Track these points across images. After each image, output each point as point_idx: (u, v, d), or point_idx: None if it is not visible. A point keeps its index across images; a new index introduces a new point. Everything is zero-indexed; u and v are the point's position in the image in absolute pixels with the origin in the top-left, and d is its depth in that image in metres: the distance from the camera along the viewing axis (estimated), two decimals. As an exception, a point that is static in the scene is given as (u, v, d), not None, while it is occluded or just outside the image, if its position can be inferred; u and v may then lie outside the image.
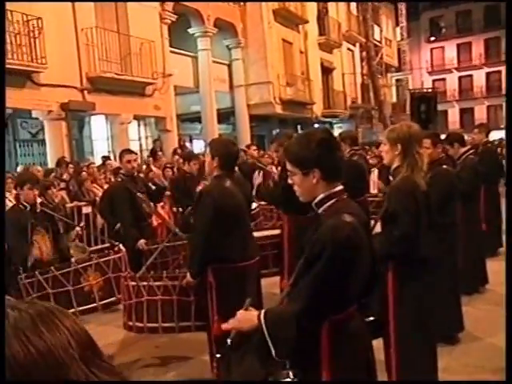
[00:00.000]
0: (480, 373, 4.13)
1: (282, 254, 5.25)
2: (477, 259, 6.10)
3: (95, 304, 4.55)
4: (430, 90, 19.20)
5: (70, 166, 10.25)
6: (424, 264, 3.36)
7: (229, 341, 2.28)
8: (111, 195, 6.01)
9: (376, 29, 31.42)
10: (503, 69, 33.55)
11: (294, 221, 5.06)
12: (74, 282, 4.46)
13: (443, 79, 43.79)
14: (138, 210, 5.81)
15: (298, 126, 22.54)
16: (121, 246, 4.89)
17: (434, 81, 42.86)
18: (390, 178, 3.55)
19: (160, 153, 13.72)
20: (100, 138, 16.18)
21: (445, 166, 4.80)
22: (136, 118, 15.62)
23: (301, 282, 2.14)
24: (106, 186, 8.66)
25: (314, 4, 24.00)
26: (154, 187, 8.36)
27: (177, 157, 10.99)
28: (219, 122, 18.45)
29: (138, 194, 5.81)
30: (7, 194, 7.96)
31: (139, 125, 17.32)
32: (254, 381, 2.21)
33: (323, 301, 2.02)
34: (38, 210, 4.99)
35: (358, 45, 29.31)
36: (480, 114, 41.24)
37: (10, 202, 7.32)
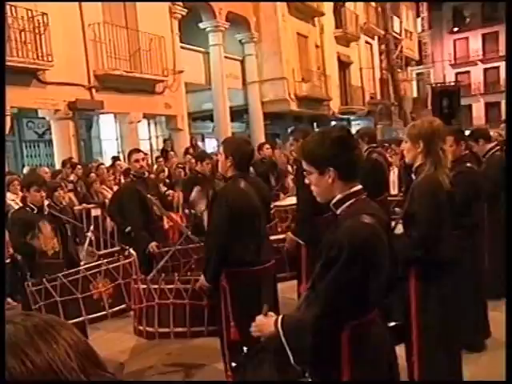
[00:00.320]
0: (508, 382, 4.08)
1: (300, 257, 5.24)
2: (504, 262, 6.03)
3: (105, 312, 4.56)
4: (452, 84, 19.05)
5: (79, 167, 10.34)
6: (447, 267, 3.33)
7: (245, 348, 2.30)
8: (121, 197, 6.06)
9: (395, 20, 31.27)
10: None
11: (313, 221, 5.05)
12: (82, 289, 4.48)
13: (467, 72, 43.43)
14: (148, 212, 5.85)
15: (314, 124, 22.52)
16: (131, 250, 4.92)
17: (457, 74, 42.52)
18: (412, 176, 3.53)
19: (172, 152, 13.80)
20: (109, 137, 16.31)
21: (469, 164, 4.76)
22: (146, 116, 15.72)
23: (318, 287, 2.14)
24: (115, 188, 8.74)
25: (330, -4, 23.97)
26: (165, 189, 8.43)
27: (189, 157, 11.04)
28: (232, 120, 18.50)
29: (149, 195, 5.85)
30: (13, 197, 8.07)
31: (149, 124, 17.42)
32: (262, 381, 2.22)
33: (342, 305, 2.02)
34: (46, 213, 5.04)
35: (376, 37, 29.19)
36: (507, 108, 40.74)
37: (16, 205, 7.43)
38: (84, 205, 8.93)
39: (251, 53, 19.53)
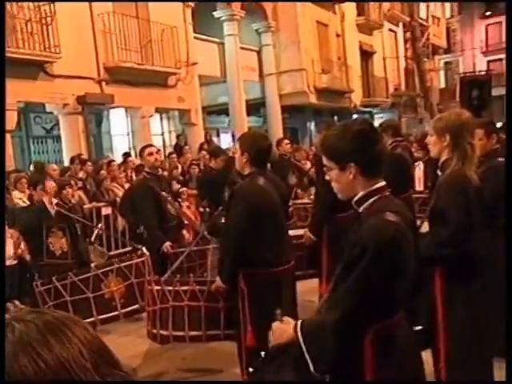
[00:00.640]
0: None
1: (320, 256, 5.25)
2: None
3: (117, 312, 4.64)
4: (483, 73, 18.86)
5: (88, 163, 10.44)
6: (476, 267, 3.32)
7: (262, 353, 2.31)
8: (133, 194, 6.10)
9: (422, 6, 31.00)
10: None
11: (334, 220, 5.07)
12: (93, 288, 4.56)
13: (500, 60, 42.83)
14: (162, 211, 5.89)
15: (335, 118, 22.45)
16: (144, 249, 4.97)
17: (489, 62, 42.00)
18: (438, 172, 3.52)
19: (187, 147, 13.85)
20: (119, 133, 16.43)
21: (500, 159, 4.72)
22: (158, 111, 15.80)
23: (340, 288, 2.15)
24: (126, 186, 8.81)
25: (352, -19, 23.86)
26: (178, 186, 8.48)
27: (204, 153, 11.11)
28: (248, 114, 18.51)
29: (163, 193, 5.90)
30: (21, 195, 8.18)
31: (162, 118, 17.51)
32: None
33: (365, 308, 2.03)
34: (54, 211, 5.11)
35: (401, 25, 28.97)
36: (543, 99, 40.21)
37: (23, 203, 7.54)
38: (94, 203, 9.02)
39: (268, 43, 19.53)
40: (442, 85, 34.77)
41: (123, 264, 4.72)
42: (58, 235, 5.10)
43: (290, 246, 4.22)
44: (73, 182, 8.32)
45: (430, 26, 31.78)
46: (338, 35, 22.88)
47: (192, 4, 15.84)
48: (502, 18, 43.00)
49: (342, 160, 2.16)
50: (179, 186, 9.66)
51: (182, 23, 15.39)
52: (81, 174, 10.03)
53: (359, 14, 24.50)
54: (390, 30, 28.12)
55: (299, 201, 7.54)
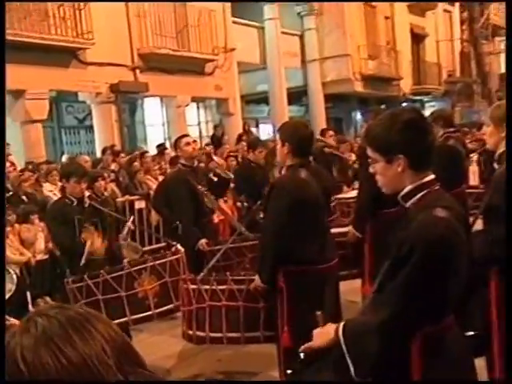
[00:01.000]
0: None
1: (363, 254, 5.23)
2: None
3: (150, 312, 4.69)
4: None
5: (122, 155, 10.61)
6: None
7: (301, 355, 2.32)
8: (168, 187, 6.17)
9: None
10: None
11: (378, 216, 5.04)
12: (126, 287, 4.61)
13: None
14: (198, 205, 5.93)
15: (382, 107, 22.20)
16: (178, 246, 5.02)
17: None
18: (495, 165, 3.45)
19: (226, 137, 13.93)
20: (154, 123, 16.62)
21: None
22: (194, 100, 15.92)
23: (386, 289, 2.14)
24: (161, 178, 8.92)
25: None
26: (215, 179, 8.54)
27: (242, 144, 11.17)
28: (289, 103, 18.49)
29: (199, 186, 5.94)
30: (52, 187, 8.38)
31: (198, 108, 17.64)
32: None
33: (413, 310, 2.01)
34: (86, 205, 5.20)
35: (457, 4, 28.38)
36: None
37: (54, 196, 7.71)
38: (127, 196, 9.16)
39: (311, 27, 19.43)
40: (502, 70, 33.91)
41: (157, 262, 4.76)
42: (90, 230, 5.19)
43: (333, 242, 4.21)
44: (105, 174, 8.48)
45: (491, 5, 30.93)
46: (386, 18, 22.59)
47: (230, -14, 15.90)
48: None
49: (389, 152, 2.15)
50: (216, 179, 9.72)
51: (219, 7, 15.45)
52: (113, 166, 10.19)
53: (410, -6, 24.12)
54: (445, 10, 27.55)
55: (342, 195, 7.49)
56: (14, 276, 5.07)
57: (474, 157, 9.30)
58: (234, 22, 16.33)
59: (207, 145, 13.12)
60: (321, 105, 19.83)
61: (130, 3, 13.15)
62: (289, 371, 2.39)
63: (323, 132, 9.62)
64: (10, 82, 10.75)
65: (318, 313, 2.40)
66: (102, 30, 12.19)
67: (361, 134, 7.17)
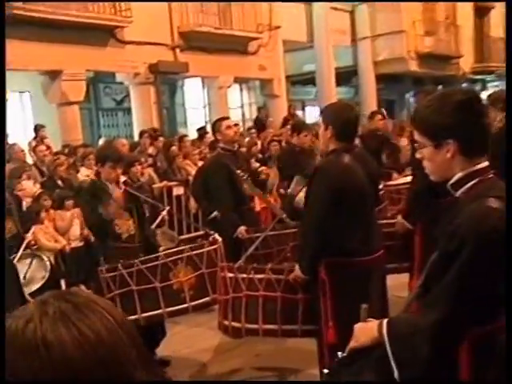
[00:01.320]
0: None
1: (413, 246, 5.15)
2: None
3: (186, 305, 4.70)
4: None
5: (161, 139, 10.70)
6: None
7: (340, 354, 2.31)
8: (206, 173, 6.20)
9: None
10: None
11: (431, 205, 4.95)
12: (161, 278, 4.64)
13: None
14: (238, 191, 5.95)
15: (439, 87, 21.79)
16: (216, 235, 5.04)
17: None
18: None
19: (271, 119, 13.90)
20: (195, 105, 16.73)
21: None
22: (237, 80, 15.94)
23: (435, 285, 2.10)
24: (200, 164, 8.98)
25: None
26: (257, 164, 8.54)
27: (288, 127, 11.13)
28: (338, 84, 18.33)
29: (239, 171, 5.95)
30: (88, 172, 8.51)
31: (241, 89, 17.67)
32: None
33: (466, 309, 1.97)
34: (121, 191, 5.27)
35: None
36: None
37: (87, 178, 7.83)
38: (165, 182, 9.26)
39: (362, 2, 19.18)
40: None
41: (194, 252, 4.77)
42: (124, 216, 5.25)
43: (380, 234, 4.17)
44: (142, 159, 8.59)
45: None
46: (445, -9, 22.11)
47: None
48: None
49: (438, 136, 2.10)
50: (258, 164, 9.73)
51: (266, -18, 15.39)
52: (151, 150, 10.30)
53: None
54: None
55: (392, 182, 7.40)
56: (48, 263, 5.18)
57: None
58: (280, -2, 16.24)
59: (250, 128, 13.12)
60: (372, 86, 19.60)
61: (170, -21, 13.22)
62: (325, 371, 2.36)
63: (372, 115, 9.50)
64: (46, 62, 10.99)
65: (364, 306, 2.37)
66: (141, 7, 12.28)
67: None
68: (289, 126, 10.96)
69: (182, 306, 4.70)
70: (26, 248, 5.62)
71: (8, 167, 8.70)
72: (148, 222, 5.91)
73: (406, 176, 7.26)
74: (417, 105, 2.37)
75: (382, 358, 2.10)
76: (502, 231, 1.97)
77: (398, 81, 21.22)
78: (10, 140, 10.25)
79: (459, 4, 22.56)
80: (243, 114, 17.58)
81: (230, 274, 4.24)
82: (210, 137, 11.17)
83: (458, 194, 2.13)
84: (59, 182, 8.44)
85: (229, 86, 15.12)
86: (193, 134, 12.83)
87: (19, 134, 12.60)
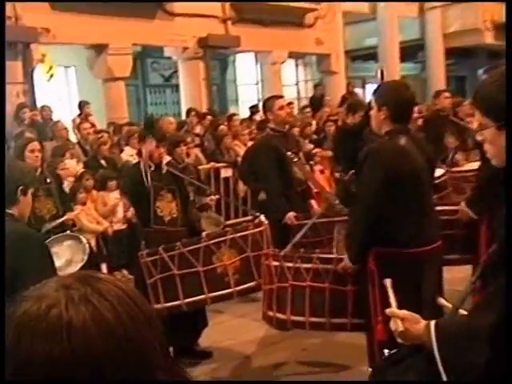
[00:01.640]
0: None
1: (478, 237, 5.05)
2: None
3: (230, 290, 4.76)
4: None
5: (209, 117, 10.76)
6: None
7: (386, 351, 2.29)
8: (254, 155, 6.22)
9: None
10: None
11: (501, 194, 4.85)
12: (204, 261, 4.71)
13: None
14: (287, 175, 5.95)
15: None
16: (262, 217, 5.06)
17: None
18: None
19: (328, 98, 13.79)
20: (247, 82, 16.74)
21: None
22: (292, 56, 15.87)
23: (492, 280, 2.06)
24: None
25: None
26: (311, 146, 8.50)
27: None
28: (402, 59, 18.03)
29: (289, 153, 5.94)
30: (133, 151, 8.63)
31: (297, 65, 17.59)
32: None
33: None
34: (164, 171, 5.33)
35: None
36: None
37: (135, 161, 7.94)
38: (212, 163, 9.32)
39: (431, -33, 18.77)
40: None
41: (238, 234, 4.82)
42: (167, 198, 5.31)
43: (437, 222, 4.11)
44: (189, 139, 8.66)
45: None
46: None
47: None
48: None
49: (502, 116, 2.04)
50: (312, 146, 9.69)
51: None
52: (198, 130, 10.37)
53: None
54: None
55: (458, 169, 7.26)
56: (87, 246, 5.28)
57: None
58: (340, -35, 16.04)
59: (304, 107, 13.07)
60: (440, 61, 19.17)
61: None
62: (369, 369, 2.36)
63: (437, 93, 9.32)
64: (92, 36, 11.17)
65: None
66: (191, -25, 12.31)
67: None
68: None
69: (227, 290, 4.75)
70: (65, 229, 5.75)
71: (51, 145, 8.91)
72: (192, 205, 5.98)
73: (473, 162, 7.11)
74: (480, 81, 2.31)
75: (430, 359, 2.08)
76: None
77: (471, 55, 20.70)
78: (55, 116, 10.48)
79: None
80: (298, 92, 17.50)
81: (275, 263, 4.27)
82: (262, 115, 11.21)
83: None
84: (102, 162, 8.57)
85: (283, 62, 15.06)
86: (244, 113, 12.86)
87: (65, 110, 12.88)
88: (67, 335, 0.87)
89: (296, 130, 9.38)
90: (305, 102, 15.42)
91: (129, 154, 8.73)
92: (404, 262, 3.73)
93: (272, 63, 14.68)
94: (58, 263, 4.95)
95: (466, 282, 5.15)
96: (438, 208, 4.84)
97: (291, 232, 5.42)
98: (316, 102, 13.83)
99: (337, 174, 8.48)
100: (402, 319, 2.19)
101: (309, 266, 4.14)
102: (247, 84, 16.72)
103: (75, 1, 10.64)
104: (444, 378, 2.00)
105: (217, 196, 7.41)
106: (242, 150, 9.25)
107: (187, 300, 4.68)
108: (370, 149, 3.92)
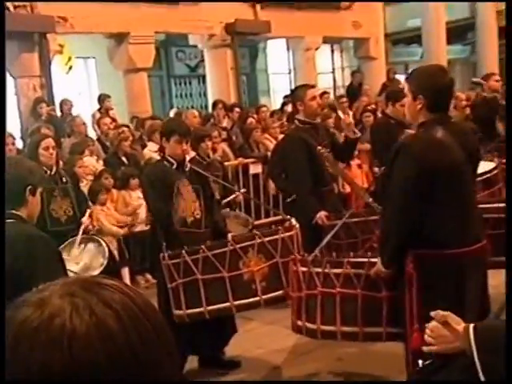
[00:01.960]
0: None
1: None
2: None
3: (257, 298, 4.77)
4: None
5: (236, 109, 10.78)
6: None
7: (420, 362, 2.31)
8: (282, 150, 6.22)
9: None
10: None
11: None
12: (230, 266, 4.72)
13: None
14: (318, 171, 5.94)
15: None
16: (293, 220, 5.06)
17: None
18: None
19: (366, 86, 13.70)
20: (278, 71, 16.72)
21: None
22: (327, 41, 15.81)
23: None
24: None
25: None
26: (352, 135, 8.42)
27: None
28: (449, 41, 17.79)
29: (319, 147, 5.93)
30: (156, 147, 8.67)
31: (332, 51, 17.52)
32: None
33: None
34: (187, 169, 5.36)
35: None
36: None
37: (157, 155, 7.97)
38: (240, 159, 9.35)
39: None
40: None
41: (267, 238, 4.82)
42: (190, 199, 5.33)
43: (481, 220, 4.08)
44: (215, 133, 8.68)
45: None
46: None
47: None
48: None
49: None
50: (353, 134, 9.61)
51: None
52: (225, 123, 10.39)
53: None
54: None
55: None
56: (107, 249, 5.33)
57: None
58: None
59: (341, 97, 13.03)
60: (493, 42, 18.83)
61: None
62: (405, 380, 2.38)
63: (487, 76, 9.23)
64: (112, 24, 11.25)
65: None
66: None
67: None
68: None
69: (253, 299, 4.76)
70: (83, 232, 5.82)
71: (69, 142, 9.03)
72: (218, 205, 5.99)
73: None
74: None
75: (467, 367, 2.09)
76: None
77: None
78: (74, 111, 10.60)
79: None
80: (334, 80, 17.45)
81: (303, 268, 4.28)
82: (290, 107, 11.22)
83: None
84: (124, 159, 8.65)
85: (317, 48, 14.99)
86: (276, 104, 12.85)
87: (84, 104, 13.01)
88: (68, 344, 0.88)
89: (330, 122, 9.36)
90: (342, 92, 15.37)
91: (152, 150, 8.76)
92: (445, 263, 3.73)
93: (305, 50, 14.62)
94: (74, 268, 5.06)
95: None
96: (486, 205, 4.81)
97: (323, 233, 5.40)
98: (353, 91, 13.77)
99: (376, 169, 8.44)
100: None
101: (339, 271, 4.13)
102: (279, 73, 16.71)
103: (93, -13, 10.74)
104: (482, 379, 2.02)
105: (243, 190, 7.38)
106: (272, 144, 9.26)
107: (210, 307, 4.69)
108: (401, 142, 3.91)
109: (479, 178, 4.96)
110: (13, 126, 9.69)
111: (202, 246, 4.76)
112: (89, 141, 9.02)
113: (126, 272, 7.67)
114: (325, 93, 11.88)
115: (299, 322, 4.37)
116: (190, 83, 15.82)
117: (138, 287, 7.79)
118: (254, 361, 5.41)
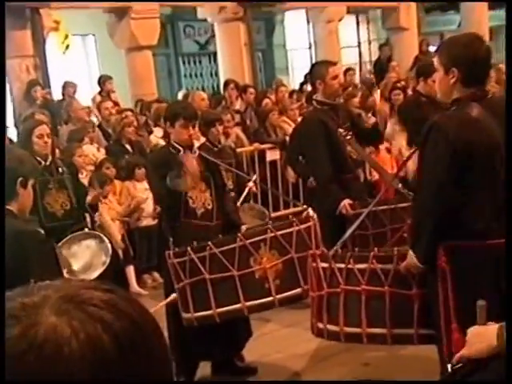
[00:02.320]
0: None
1: None
2: None
3: (270, 298, 4.75)
4: None
5: (251, 90, 10.73)
6: None
7: (449, 366, 2.31)
8: (300, 134, 6.20)
9: None
10: None
11: None
12: (240, 264, 4.70)
13: None
14: (339, 156, 5.91)
15: None
16: (310, 210, 5.04)
17: None
18: None
19: (394, 63, 13.61)
20: (297, 46, 16.67)
21: None
22: (352, 11, 15.72)
23: None
24: (300, 120, 8.97)
25: None
26: (373, 120, 8.38)
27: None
28: (491, 6, 17.55)
29: (340, 130, 5.90)
30: (160, 132, 8.66)
31: (358, 23, 17.43)
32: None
33: None
34: (195, 155, 5.35)
35: None
36: None
37: (162, 141, 7.96)
38: (256, 145, 9.33)
39: None
40: None
41: (280, 232, 4.80)
42: (200, 188, 5.31)
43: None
44: (227, 117, 8.65)
45: None
46: None
47: None
48: None
49: None
50: (374, 119, 9.57)
51: None
52: (238, 105, 10.36)
53: None
54: None
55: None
56: (109, 246, 5.33)
57: None
58: None
59: (369, 73, 12.98)
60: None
61: None
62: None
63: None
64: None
65: (481, 303, 2.36)
66: None
67: None
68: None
69: (266, 299, 4.74)
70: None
71: (67, 129, 9.03)
72: (230, 195, 5.98)
73: None
74: None
75: (506, 370, 2.08)
76: None
77: None
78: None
79: None
80: (360, 55, 17.36)
81: (324, 264, 4.24)
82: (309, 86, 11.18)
83: None
84: (127, 147, 8.62)
85: (341, 19, 14.86)
86: (296, 83, 12.78)
87: (84, 86, 12.98)
88: (59, 363, 0.88)
89: (355, 101, 9.30)
90: (369, 67, 15.28)
91: (158, 136, 8.76)
92: (482, 256, 3.71)
93: (327, 21, 14.50)
94: (75, 266, 5.07)
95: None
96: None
97: (347, 224, 5.38)
98: (381, 67, 13.68)
99: (406, 153, 8.38)
100: None
101: (364, 266, 4.10)
102: (298, 48, 16.64)
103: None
104: None
105: (254, 177, 7.29)
106: (291, 128, 9.23)
107: (220, 310, 4.68)
108: (432, 122, 3.86)
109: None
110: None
111: (209, 243, 4.73)
112: (88, 127, 8.94)
113: (130, 271, 7.67)
114: (349, 69, 11.82)
115: (320, 325, 4.34)
116: (199, 62, 15.80)
117: (145, 287, 7.81)
118: (272, 367, 5.41)
